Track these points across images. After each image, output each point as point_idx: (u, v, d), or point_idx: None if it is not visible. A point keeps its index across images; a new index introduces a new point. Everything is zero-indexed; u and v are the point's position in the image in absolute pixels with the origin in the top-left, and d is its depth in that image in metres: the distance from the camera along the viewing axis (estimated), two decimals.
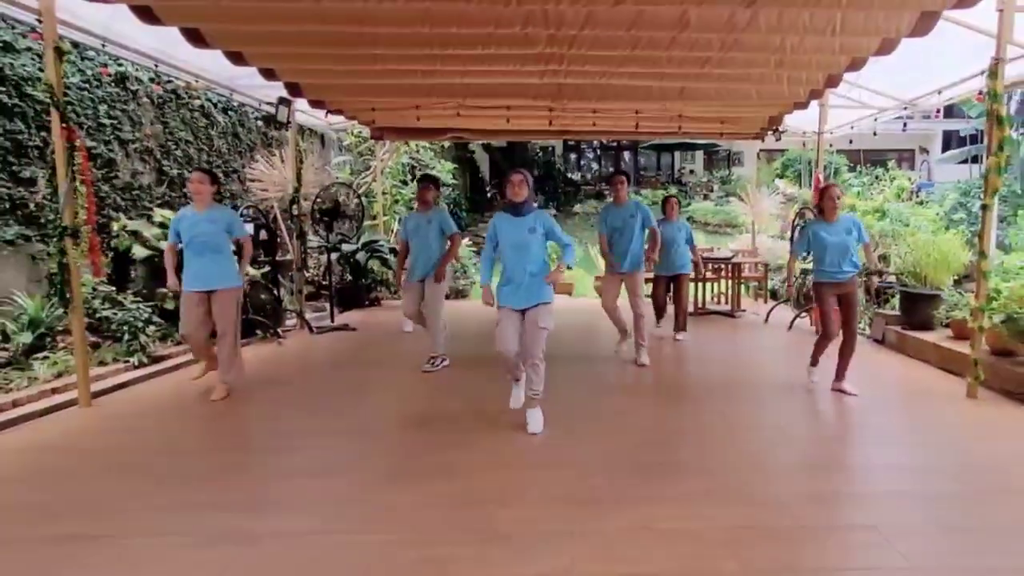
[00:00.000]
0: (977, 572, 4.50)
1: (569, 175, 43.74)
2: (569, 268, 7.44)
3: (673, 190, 38.89)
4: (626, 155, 47.98)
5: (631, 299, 10.29)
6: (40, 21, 7.57)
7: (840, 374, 8.67)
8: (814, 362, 8.89)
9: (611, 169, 46.76)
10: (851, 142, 14.59)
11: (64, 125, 7.67)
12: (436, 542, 4.86)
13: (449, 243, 9.80)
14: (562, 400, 8.30)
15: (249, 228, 10.82)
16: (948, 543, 4.89)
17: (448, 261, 9.77)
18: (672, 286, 12.35)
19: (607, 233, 10.23)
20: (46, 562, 4.63)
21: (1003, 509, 5.44)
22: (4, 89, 9.71)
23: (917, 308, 11.21)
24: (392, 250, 16.61)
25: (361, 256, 16.79)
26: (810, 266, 13.16)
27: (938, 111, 12.04)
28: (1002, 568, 4.56)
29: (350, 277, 17.01)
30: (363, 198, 15.98)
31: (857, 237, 8.41)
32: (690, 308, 14.93)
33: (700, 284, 15.62)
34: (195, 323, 8.29)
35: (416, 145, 21.42)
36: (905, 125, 12.86)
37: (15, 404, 7.74)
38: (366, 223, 15.90)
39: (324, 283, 16.31)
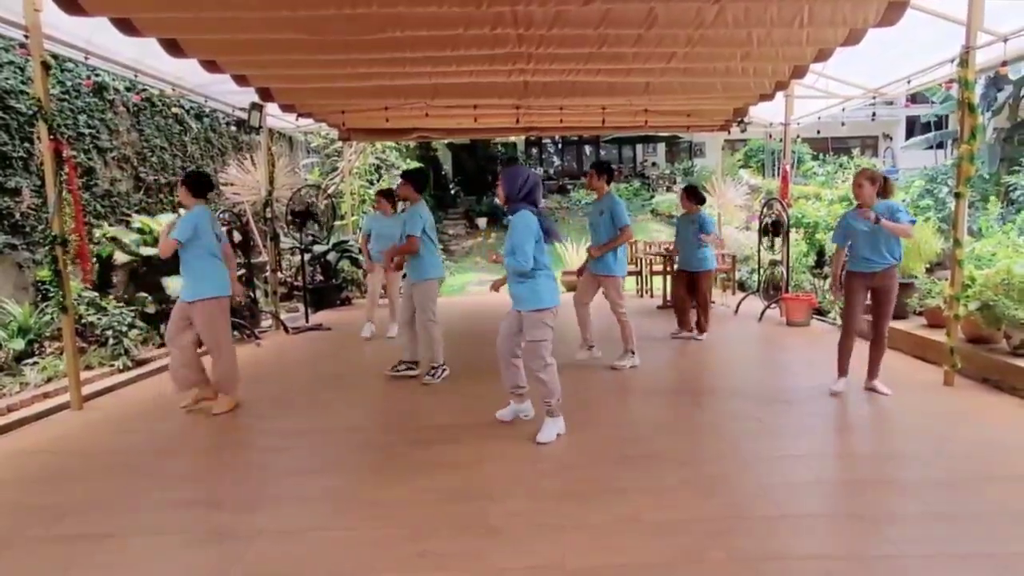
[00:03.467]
0: (966, 558, 4.59)
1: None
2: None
3: (636, 183, 39.11)
4: (587, 149, 47.93)
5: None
6: (27, 37, 7.73)
7: (873, 372, 8.42)
8: (842, 371, 8.47)
9: (573, 164, 46.92)
10: (819, 132, 14.76)
11: (52, 137, 7.82)
12: (430, 537, 4.98)
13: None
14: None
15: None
16: (935, 530, 4.98)
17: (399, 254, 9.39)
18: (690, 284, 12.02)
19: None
20: (51, 562, 4.76)
21: (987, 495, 5.54)
22: None
23: None
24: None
25: (332, 256, 16.96)
26: (779, 257, 13.43)
27: (907, 100, 12.20)
28: (995, 554, 4.64)
29: (321, 277, 17.21)
30: (333, 199, 16.19)
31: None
32: (659, 302, 15.19)
33: (668, 277, 15.63)
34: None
35: (382, 146, 21.57)
36: (874, 114, 13.00)
37: (9, 409, 7.91)
38: (336, 223, 16.08)
39: (297, 284, 16.49)
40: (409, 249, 9.08)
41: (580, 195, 36.54)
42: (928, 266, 11.82)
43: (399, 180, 9.84)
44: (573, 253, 20.72)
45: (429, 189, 10.43)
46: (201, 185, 8.14)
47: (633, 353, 9.95)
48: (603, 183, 9.82)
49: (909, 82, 10.83)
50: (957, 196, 8.44)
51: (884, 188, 8.09)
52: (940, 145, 29.54)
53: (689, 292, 11.98)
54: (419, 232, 9.05)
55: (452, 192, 37.57)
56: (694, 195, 11.96)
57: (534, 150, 46.32)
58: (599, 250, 9.66)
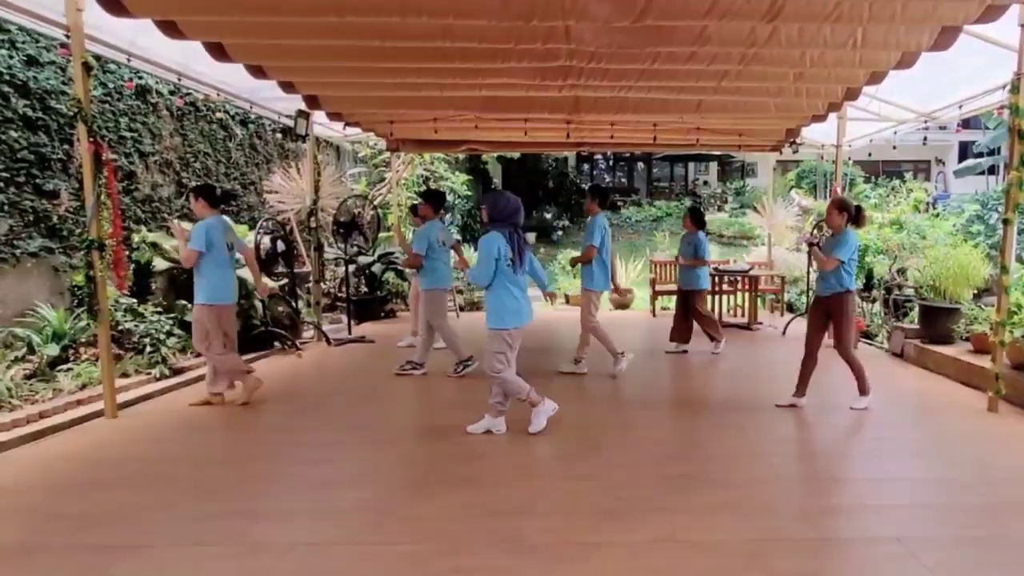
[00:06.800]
0: None
1: (582, 186, 43.62)
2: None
3: (687, 202, 38.97)
4: (639, 166, 47.92)
5: None
6: (68, 36, 7.69)
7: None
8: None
9: (624, 180, 46.88)
10: (870, 155, 14.61)
11: (92, 139, 7.77)
12: (466, 552, 4.93)
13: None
14: (584, 413, 8.39)
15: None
16: (973, 555, 4.94)
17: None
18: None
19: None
20: (83, 571, 4.72)
21: None
22: (28, 102, 9.83)
23: (936, 322, 11.18)
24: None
25: (377, 268, 16.95)
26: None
27: (959, 125, 12.00)
28: None
29: (365, 289, 17.15)
30: (379, 210, 16.08)
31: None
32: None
33: (717, 296, 15.66)
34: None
35: (431, 157, 21.45)
36: (926, 139, 12.87)
37: (42, 415, 7.84)
38: (381, 235, 15.98)
39: (340, 295, 16.47)
40: (411, 264, 10.47)
41: (631, 212, 36.47)
42: (975, 292, 11.65)
43: (420, 201, 11.03)
44: (622, 271, 20.52)
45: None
46: (217, 196, 8.77)
47: (578, 361, 10.72)
48: (594, 205, 10.46)
49: (961, 107, 10.80)
50: (1005, 223, 8.44)
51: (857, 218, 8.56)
52: (992, 171, 29.16)
53: (685, 309, 12.44)
54: (423, 251, 10.08)
55: None
56: (696, 217, 12.59)
57: (585, 166, 46.31)
58: (573, 262, 10.67)
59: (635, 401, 9.40)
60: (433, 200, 10.71)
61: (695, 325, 12.45)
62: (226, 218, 8.92)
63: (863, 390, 8.63)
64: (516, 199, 7.66)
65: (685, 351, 12.32)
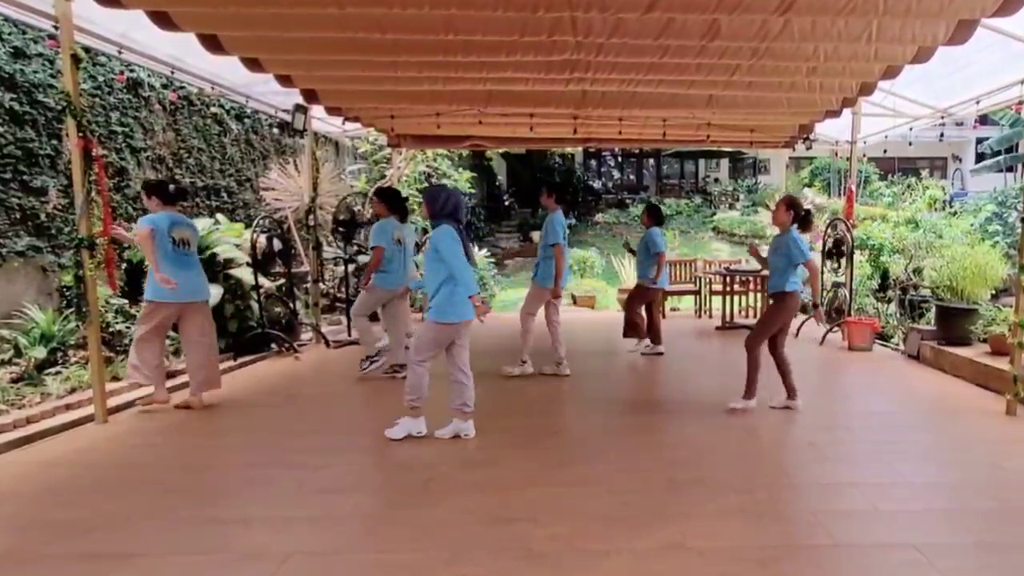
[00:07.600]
0: None
1: (590, 183, 43.62)
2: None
3: (698, 199, 38.89)
4: (649, 162, 47.86)
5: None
6: (57, 28, 7.62)
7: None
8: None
9: (632, 177, 46.87)
10: (885, 151, 14.56)
11: (81, 134, 7.71)
12: (470, 561, 4.90)
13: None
14: (585, 416, 8.41)
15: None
16: (989, 562, 4.92)
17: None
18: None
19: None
20: None
21: None
22: (15, 96, 9.80)
23: (953, 323, 11.12)
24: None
25: None
26: (842, 279, 13.26)
27: (976, 121, 11.95)
28: None
29: None
30: None
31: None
32: (718, 323, 15.00)
33: (728, 297, 15.67)
34: None
35: (433, 153, 21.35)
36: (942, 135, 12.84)
37: (29, 421, 7.78)
38: None
39: (340, 295, 16.41)
40: (374, 260, 10.18)
41: (638, 210, 36.39)
42: (993, 292, 11.65)
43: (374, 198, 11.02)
44: (630, 270, 20.48)
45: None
46: (171, 193, 8.64)
47: (560, 363, 10.68)
48: (552, 202, 10.69)
49: (978, 103, 10.70)
50: (1023, 220, 8.41)
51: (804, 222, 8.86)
52: (1011, 168, 29.13)
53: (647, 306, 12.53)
54: (382, 243, 10.01)
55: (506, 204, 37.44)
56: (652, 214, 12.61)
57: (592, 162, 46.20)
58: (555, 285, 10.43)
59: (638, 403, 9.44)
60: (386, 198, 10.63)
61: (650, 321, 12.49)
62: (199, 220, 8.87)
63: (748, 392, 8.73)
64: (457, 194, 7.65)
65: (661, 353, 12.28)
